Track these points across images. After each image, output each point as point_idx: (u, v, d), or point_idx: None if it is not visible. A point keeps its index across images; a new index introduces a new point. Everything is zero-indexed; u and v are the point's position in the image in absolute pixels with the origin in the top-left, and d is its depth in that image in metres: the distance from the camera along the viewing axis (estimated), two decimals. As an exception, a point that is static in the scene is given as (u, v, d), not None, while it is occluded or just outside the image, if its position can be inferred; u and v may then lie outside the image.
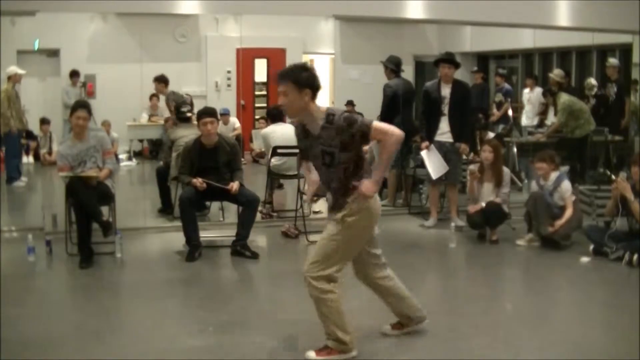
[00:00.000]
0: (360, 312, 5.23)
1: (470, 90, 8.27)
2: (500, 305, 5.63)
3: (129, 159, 11.96)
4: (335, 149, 3.95)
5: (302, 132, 4.12)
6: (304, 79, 3.93)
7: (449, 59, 7.81)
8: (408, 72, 10.26)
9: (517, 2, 8.98)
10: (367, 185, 3.99)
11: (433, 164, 7.73)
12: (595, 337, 4.75)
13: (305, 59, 15.15)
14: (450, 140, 7.76)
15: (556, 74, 10.88)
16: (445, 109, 7.74)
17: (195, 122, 7.44)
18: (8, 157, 9.90)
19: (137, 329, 4.80)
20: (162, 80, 10.19)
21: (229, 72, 12.39)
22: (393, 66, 8.71)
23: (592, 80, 10.79)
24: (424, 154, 7.84)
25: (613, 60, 10.76)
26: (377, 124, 3.99)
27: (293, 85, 3.91)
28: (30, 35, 11.80)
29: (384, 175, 4.16)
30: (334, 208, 4.11)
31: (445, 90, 7.74)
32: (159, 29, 12.43)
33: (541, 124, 11.02)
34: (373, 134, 3.91)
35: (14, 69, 9.90)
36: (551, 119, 10.76)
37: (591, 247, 6.70)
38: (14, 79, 9.88)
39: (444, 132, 7.77)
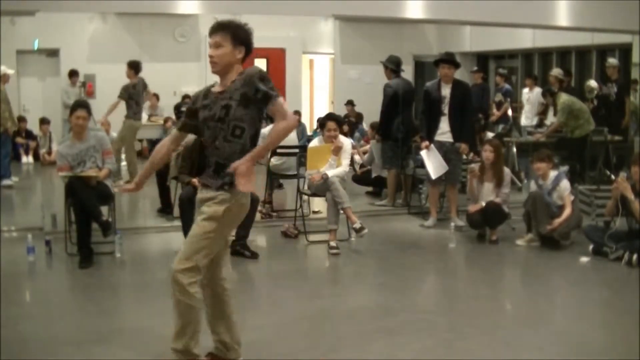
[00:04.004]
0: (360, 311, 5.24)
1: (470, 90, 8.28)
2: (499, 305, 5.63)
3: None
4: (234, 102, 3.60)
5: (204, 93, 3.77)
6: (242, 36, 3.68)
7: (448, 59, 7.82)
8: (408, 72, 10.28)
9: (516, 2, 8.98)
10: (240, 165, 3.52)
11: (433, 163, 7.74)
12: (595, 337, 4.75)
13: (305, 58, 15.23)
14: (451, 140, 7.77)
15: (555, 71, 10.92)
16: (446, 108, 7.74)
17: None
18: (1, 157, 9.89)
19: (137, 329, 4.79)
20: (132, 66, 10.12)
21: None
22: (393, 66, 8.73)
23: (592, 83, 10.79)
24: (423, 153, 7.84)
25: (613, 60, 10.77)
26: (283, 102, 3.61)
27: (230, 38, 3.64)
28: (30, 35, 11.82)
29: (260, 156, 3.69)
30: (211, 183, 3.69)
31: (446, 90, 7.75)
32: (159, 29, 12.45)
33: (540, 123, 11.03)
34: (272, 107, 3.58)
35: (4, 68, 9.89)
36: (551, 118, 10.77)
37: (591, 247, 6.70)
38: (3, 78, 9.87)
39: (444, 132, 7.78)
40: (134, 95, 10.11)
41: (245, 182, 3.57)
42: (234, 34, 3.65)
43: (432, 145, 7.77)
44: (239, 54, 3.67)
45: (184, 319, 3.70)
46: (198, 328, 3.76)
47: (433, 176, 7.77)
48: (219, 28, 3.67)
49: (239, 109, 3.61)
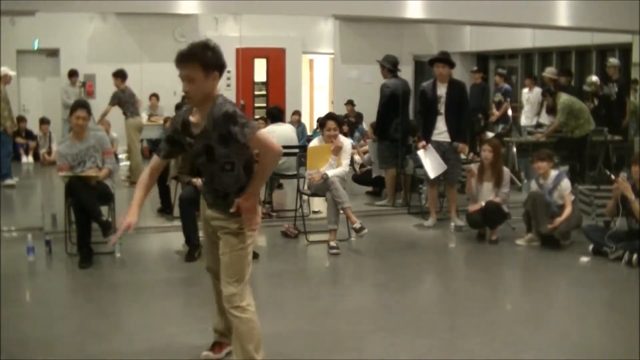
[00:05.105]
0: (360, 312, 5.24)
1: (466, 89, 8.21)
2: (499, 305, 5.63)
3: (128, 158, 11.96)
4: (214, 142, 3.48)
5: (182, 124, 3.62)
6: (212, 61, 3.44)
7: (443, 58, 7.80)
8: (408, 72, 10.28)
9: (516, 2, 8.98)
10: (244, 202, 3.56)
11: (430, 163, 7.73)
12: (594, 337, 4.76)
13: (305, 58, 15.22)
14: (448, 139, 7.75)
15: (548, 71, 10.95)
16: (442, 108, 7.72)
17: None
18: (2, 156, 9.91)
19: (137, 329, 4.79)
20: (118, 75, 10.27)
21: (228, 72, 12.33)
22: (390, 66, 8.71)
23: (594, 77, 10.78)
24: (420, 153, 7.83)
25: (614, 60, 10.76)
26: (260, 135, 3.47)
27: (201, 68, 3.41)
28: (29, 35, 11.81)
29: (259, 188, 3.71)
30: (219, 209, 3.70)
31: (442, 90, 7.73)
32: (159, 28, 12.43)
33: (539, 123, 11.03)
34: (252, 143, 3.46)
35: (6, 69, 9.92)
36: (544, 117, 10.79)
37: (591, 246, 6.71)
38: (4, 79, 9.89)
39: (441, 131, 7.76)
40: (125, 97, 10.19)
41: (252, 219, 3.62)
42: (204, 62, 3.42)
43: (429, 145, 7.76)
44: (213, 80, 3.46)
45: (252, 338, 3.69)
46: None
47: (431, 176, 7.76)
48: (185, 59, 3.44)
49: (220, 148, 3.49)
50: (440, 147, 7.74)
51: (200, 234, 6.64)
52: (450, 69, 7.80)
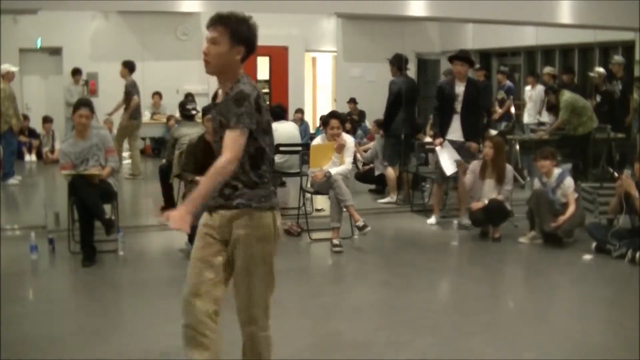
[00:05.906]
0: (362, 310, 5.24)
1: (480, 90, 8.18)
2: (502, 303, 5.63)
3: (131, 157, 11.98)
4: (224, 121, 3.14)
5: (214, 95, 3.35)
6: (243, 33, 3.17)
7: (462, 57, 7.77)
8: (411, 70, 10.26)
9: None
10: (174, 211, 3.02)
11: (446, 160, 7.70)
12: (597, 335, 4.75)
13: (308, 56, 15.22)
14: (462, 139, 7.72)
15: (548, 69, 10.96)
16: (459, 107, 7.69)
17: (199, 121, 7.44)
18: (6, 155, 9.93)
19: (140, 327, 4.80)
20: (127, 66, 10.26)
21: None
22: (398, 64, 8.73)
23: (601, 69, 10.75)
24: (438, 150, 7.80)
25: (618, 58, 10.74)
26: (237, 136, 3.05)
27: (229, 36, 3.15)
28: (32, 34, 11.81)
29: (198, 199, 3.04)
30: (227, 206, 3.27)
31: (460, 88, 7.69)
32: (161, 27, 12.42)
33: (540, 122, 11.03)
34: (227, 133, 3.06)
35: (7, 66, 9.92)
36: (544, 115, 10.77)
37: (594, 244, 6.70)
38: (7, 77, 9.90)
39: (455, 130, 7.74)
40: (138, 88, 10.18)
41: (175, 222, 2.99)
42: (234, 31, 3.15)
43: (446, 142, 7.73)
44: (237, 54, 3.15)
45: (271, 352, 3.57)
46: None
47: (447, 173, 7.69)
48: (218, 21, 3.22)
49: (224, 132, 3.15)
50: (453, 146, 7.71)
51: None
52: (469, 67, 7.79)
